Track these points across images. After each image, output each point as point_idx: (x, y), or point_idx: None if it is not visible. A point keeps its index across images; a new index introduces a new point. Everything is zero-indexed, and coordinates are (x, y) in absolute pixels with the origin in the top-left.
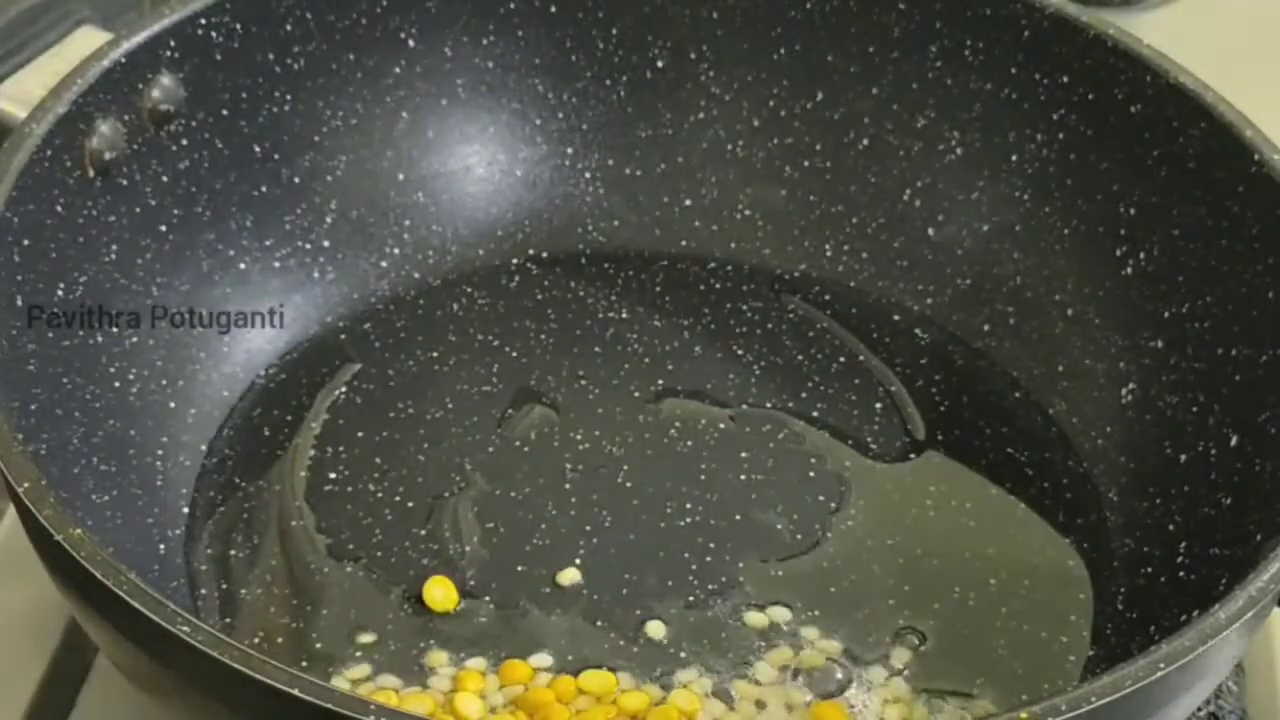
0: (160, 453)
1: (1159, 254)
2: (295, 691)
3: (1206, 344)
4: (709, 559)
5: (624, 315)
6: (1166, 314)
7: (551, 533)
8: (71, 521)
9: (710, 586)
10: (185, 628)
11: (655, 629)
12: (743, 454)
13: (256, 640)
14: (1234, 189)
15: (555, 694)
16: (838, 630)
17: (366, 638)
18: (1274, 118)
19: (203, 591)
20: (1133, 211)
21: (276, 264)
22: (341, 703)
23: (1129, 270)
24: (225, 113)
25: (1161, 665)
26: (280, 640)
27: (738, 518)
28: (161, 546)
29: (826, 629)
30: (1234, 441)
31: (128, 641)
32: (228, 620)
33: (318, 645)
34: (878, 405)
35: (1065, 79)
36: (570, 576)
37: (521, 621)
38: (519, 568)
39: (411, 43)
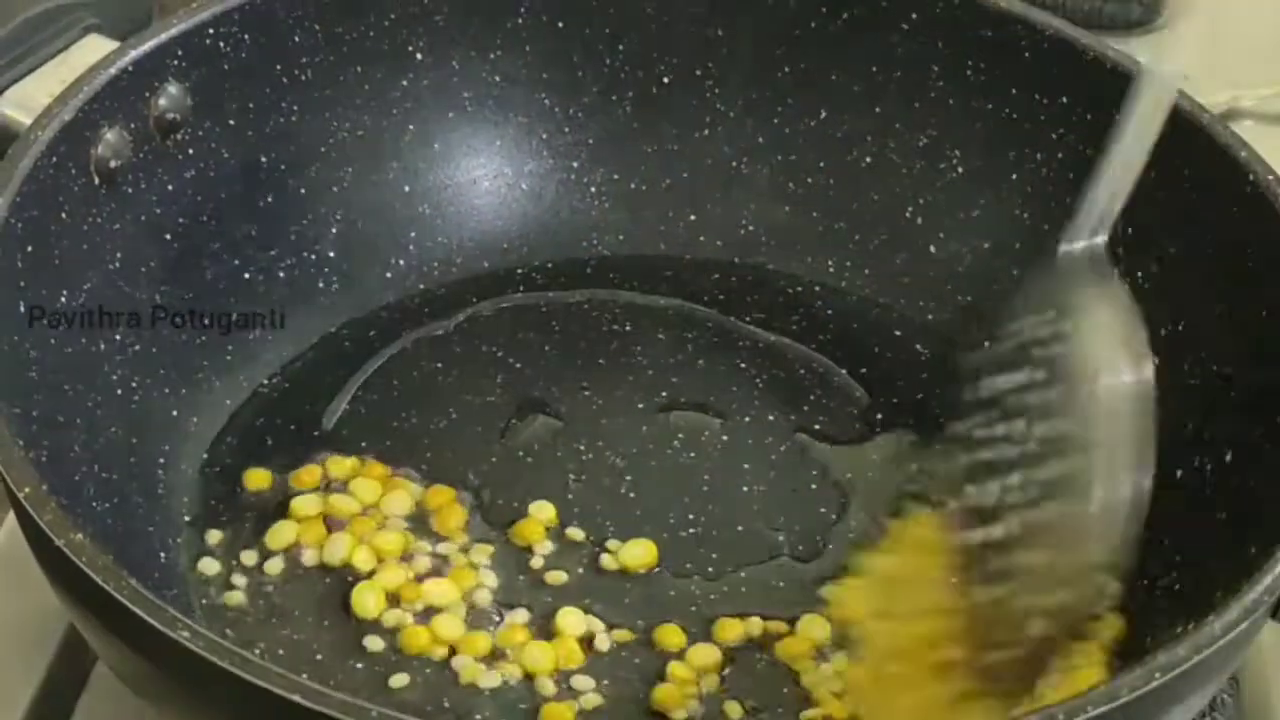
0: (162, 460)
1: (1155, 273)
2: (296, 698)
3: (1202, 361)
4: (711, 570)
5: (628, 328)
6: (1163, 331)
7: (553, 544)
8: (72, 527)
9: (712, 597)
10: (186, 633)
11: None
12: (745, 465)
13: (258, 650)
14: (1229, 210)
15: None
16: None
17: (372, 643)
18: (1270, 140)
19: (204, 600)
20: (1129, 231)
21: (281, 274)
22: (343, 709)
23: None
24: (232, 123)
25: (1156, 675)
26: (281, 651)
27: (740, 529)
28: (162, 554)
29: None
30: (1228, 458)
31: (128, 648)
32: (228, 630)
33: (318, 656)
34: (879, 416)
35: (1065, 99)
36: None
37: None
38: (520, 577)
39: (419, 56)
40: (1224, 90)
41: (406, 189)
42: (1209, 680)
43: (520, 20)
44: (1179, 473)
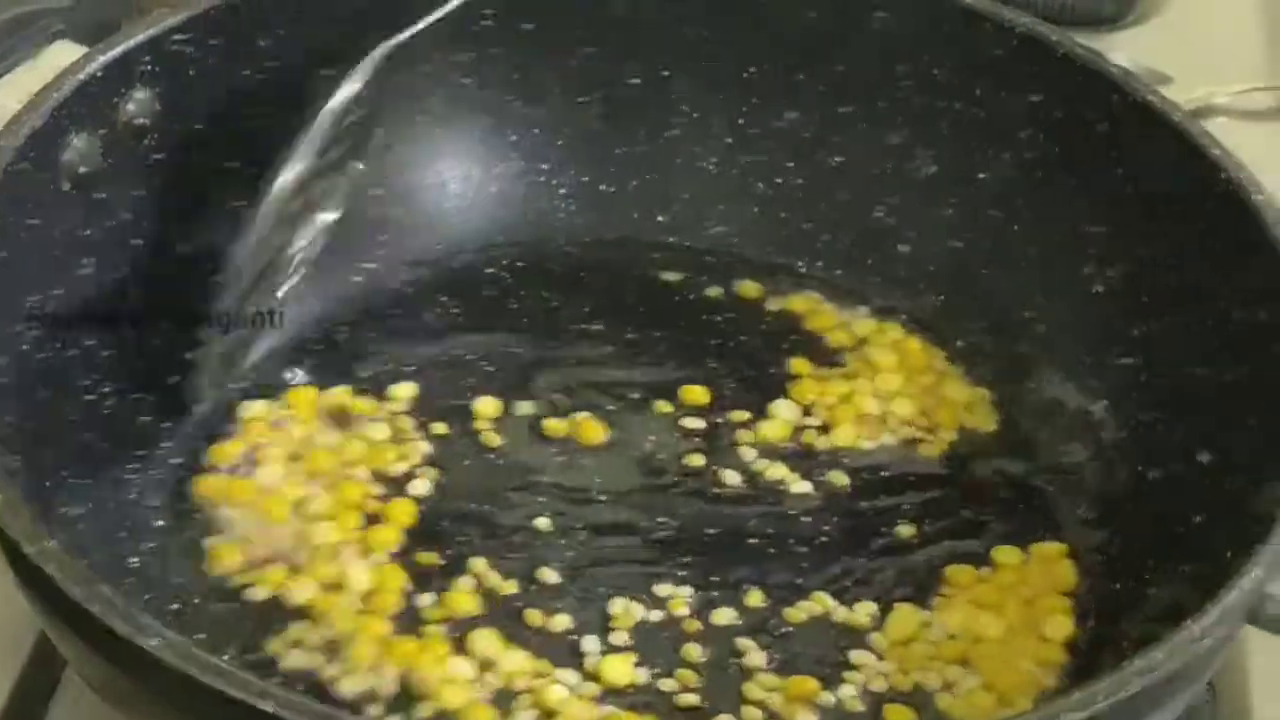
0: (134, 467)
1: (1127, 272)
2: (269, 706)
3: (1175, 362)
4: (687, 574)
5: (597, 328)
6: (1135, 332)
7: (526, 546)
8: (44, 534)
9: (713, 594)
10: (157, 641)
11: None
12: (714, 469)
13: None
14: (1201, 207)
15: None
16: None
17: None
18: (1244, 137)
19: (176, 607)
20: (1101, 229)
21: None
22: (315, 715)
23: (1098, 288)
24: (199, 127)
25: (1133, 680)
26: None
27: (713, 531)
28: (134, 560)
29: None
30: (1203, 459)
31: (99, 656)
32: (202, 636)
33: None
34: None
35: (1034, 98)
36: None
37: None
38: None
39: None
40: (1197, 87)
41: (376, 192)
42: (1186, 685)
43: (488, 23)
44: (1153, 475)
